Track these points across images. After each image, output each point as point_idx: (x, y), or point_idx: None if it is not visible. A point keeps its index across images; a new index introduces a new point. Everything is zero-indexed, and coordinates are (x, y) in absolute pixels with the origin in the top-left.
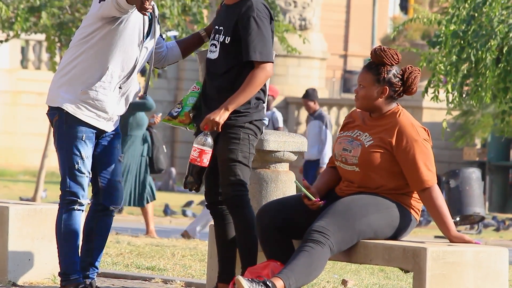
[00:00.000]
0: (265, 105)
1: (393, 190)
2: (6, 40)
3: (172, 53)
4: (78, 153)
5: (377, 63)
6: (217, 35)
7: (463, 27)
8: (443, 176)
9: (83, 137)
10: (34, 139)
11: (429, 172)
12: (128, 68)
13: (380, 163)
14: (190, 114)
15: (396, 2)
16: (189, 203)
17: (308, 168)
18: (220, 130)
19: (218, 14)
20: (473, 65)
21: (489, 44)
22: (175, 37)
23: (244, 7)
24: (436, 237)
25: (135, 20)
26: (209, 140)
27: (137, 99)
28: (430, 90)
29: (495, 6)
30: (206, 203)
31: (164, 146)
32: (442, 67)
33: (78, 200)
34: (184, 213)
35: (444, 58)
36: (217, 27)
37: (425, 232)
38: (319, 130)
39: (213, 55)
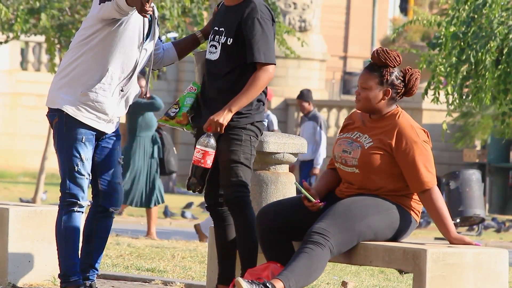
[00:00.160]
0: (265, 106)
1: (393, 191)
2: (6, 41)
3: (168, 55)
4: (78, 155)
5: (379, 64)
6: (218, 36)
7: (463, 29)
8: (443, 178)
9: (83, 139)
10: (34, 140)
11: (428, 173)
12: (128, 69)
13: (379, 164)
14: (188, 115)
15: (396, 4)
16: (189, 205)
17: (301, 169)
18: (223, 131)
19: (215, 15)
20: (473, 67)
21: (488, 45)
22: (174, 38)
23: (248, 9)
24: (436, 238)
25: (135, 22)
26: (212, 141)
27: (146, 99)
28: (430, 92)
29: (494, 8)
30: (206, 205)
31: (174, 148)
32: (442, 69)
33: (78, 202)
34: (183, 215)
35: (444, 60)
36: (216, 28)
37: (425, 233)
38: (314, 131)
39: (214, 56)
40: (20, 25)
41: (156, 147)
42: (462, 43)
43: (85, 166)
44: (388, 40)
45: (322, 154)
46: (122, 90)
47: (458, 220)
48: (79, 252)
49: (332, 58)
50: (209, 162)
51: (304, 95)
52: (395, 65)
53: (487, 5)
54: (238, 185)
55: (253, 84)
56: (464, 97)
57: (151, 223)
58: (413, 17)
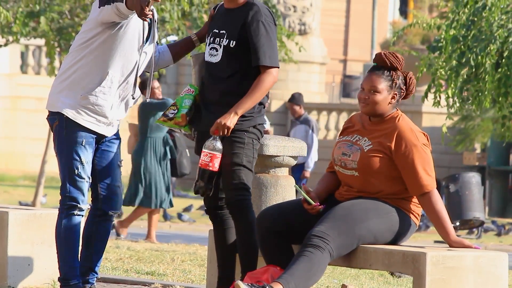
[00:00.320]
0: (265, 109)
1: (393, 194)
2: (6, 44)
3: (163, 58)
4: (78, 158)
5: (388, 68)
6: (218, 38)
7: (463, 32)
8: (442, 181)
9: (83, 142)
10: (33, 144)
11: (428, 176)
12: (128, 73)
13: (379, 167)
14: (187, 116)
15: (395, 7)
16: (188, 208)
17: (293, 172)
18: (229, 134)
19: (214, 18)
20: (473, 70)
21: (488, 48)
22: (174, 42)
23: (252, 12)
24: (436, 242)
25: (135, 25)
26: (219, 144)
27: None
28: (430, 95)
29: (494, 11)
30: (205, 208)
31: (187, 150)
32: (443, 72)
33: (78, 205)
34: (179, 217)
35: (444, 63)
36: (216, 30)
37: (424, 237)
38: (306, 134)
39: (215, 59)
40: (18, 27)
41: (168, 148)
42: (462, 46)
43: (85, 169)
44: (388, 43)
45: (314, 157)
46: (122, 93)
47: (457, 223)
48: (79, 255)
49: (332, 61)
50: (216, 165)
51: (295, 99)
52: (401, 68)
53: (487, 8)
54: (241, 188)
55: (258, 87)
56: (464, 100)
57: (152, 227)
58: (413, 21)
